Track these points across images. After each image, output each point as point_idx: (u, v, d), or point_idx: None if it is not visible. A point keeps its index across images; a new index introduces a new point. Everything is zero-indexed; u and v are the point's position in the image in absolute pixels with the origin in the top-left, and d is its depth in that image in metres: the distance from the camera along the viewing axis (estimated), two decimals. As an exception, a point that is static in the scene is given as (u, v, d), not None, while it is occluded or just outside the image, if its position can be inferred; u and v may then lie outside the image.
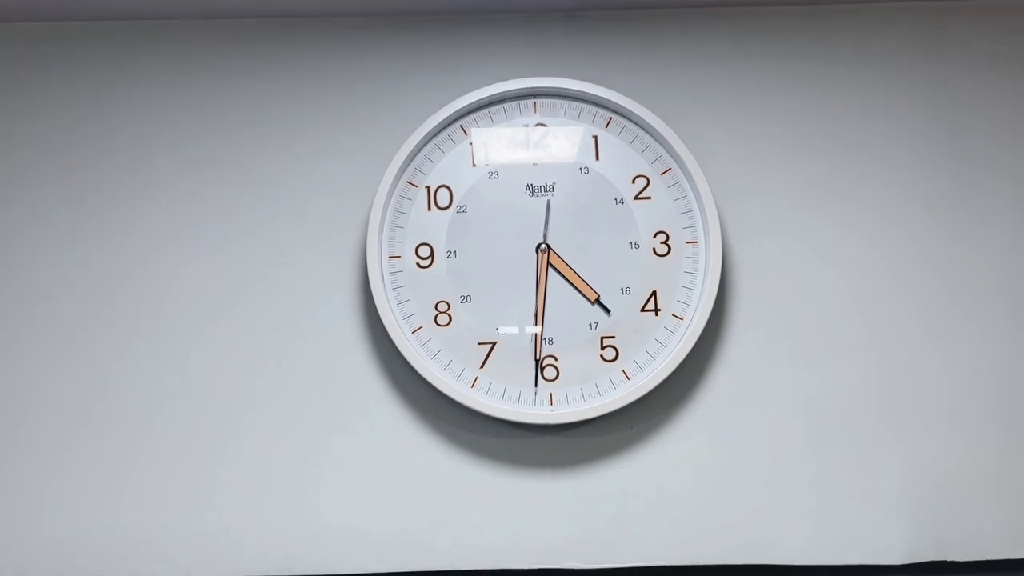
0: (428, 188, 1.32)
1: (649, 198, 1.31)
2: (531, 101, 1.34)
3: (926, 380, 1.29)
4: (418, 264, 1.30)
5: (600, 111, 1.33)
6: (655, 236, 1.30)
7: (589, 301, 1.29)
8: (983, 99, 1.36)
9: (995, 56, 1.37)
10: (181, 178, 1.34)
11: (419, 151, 1.32)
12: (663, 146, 1.32)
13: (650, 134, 1.32)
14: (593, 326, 1.28)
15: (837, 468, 1.27)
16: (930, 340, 1.30)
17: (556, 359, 1.28)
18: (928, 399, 1.29)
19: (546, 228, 1.31)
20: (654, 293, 1.29)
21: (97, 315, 1.31)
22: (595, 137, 1.33)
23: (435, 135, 1.33)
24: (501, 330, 1.28)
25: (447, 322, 1.29)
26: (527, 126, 1.34)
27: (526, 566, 1.26)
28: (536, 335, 1.28)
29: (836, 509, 1.26)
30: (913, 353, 1.30)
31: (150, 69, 1.37)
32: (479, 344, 1.28)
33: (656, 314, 1.29)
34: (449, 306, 1.29)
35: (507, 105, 1.34)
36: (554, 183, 1.32)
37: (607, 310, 1.28)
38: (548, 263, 1.30)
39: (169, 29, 1.38)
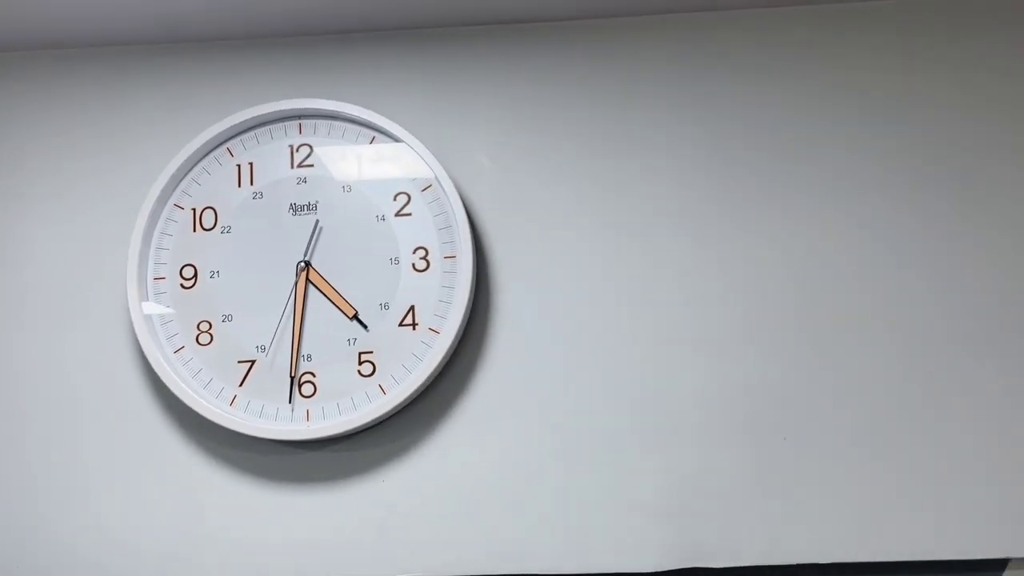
0: (194, 210, 1.35)
1: (410, 214, 1.34)
2: (296, 122, 1.37)
3: (680, 389, 1.30)
4: (182, 285, 1.33)
5: (363, 130, 1.36)
6: (415, 252, 1.33)
7: (347, 317, 1.31)
8: (742, 108, 1.38)
9: (754, 67, 1.39)
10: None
11: (186, 174, 1.35)
12: (422, 162, 1.34)
13: (410, 151, 1.34)
14: (351, 342, 1.30)
15: (593, 477, 1.28)
16: (682, 349, 1.31)
17: (314, 375, 1.30)
18: (682, 408, 1.30)
19: (310, 247, 1.33)
20: (412, 308, 1.31)
21: None
22: (358, 156, 1.36)
23: (202, 158, 1.36)
24: (260, 348, 1.30)
25: (208, 341, 1.31)
26: (292, 146, 1.36)
27: (289, 581, 1.28)
28: (292, 351, 1.30)
29: (592, 517, 1.27)
30: (667, 362, 1.31)
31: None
32: (239, 362, 1.30)
33: (414, 328, 1.30)
34: (211, 325, 1.31)
35: (273, 126, 1.37)
36: (317, 202, 1.34)
37: (364, 326, 1.30)
38: (307, 280, 1.32)
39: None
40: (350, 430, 1.27)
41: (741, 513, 1.27)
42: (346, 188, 1.35)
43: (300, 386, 1.29)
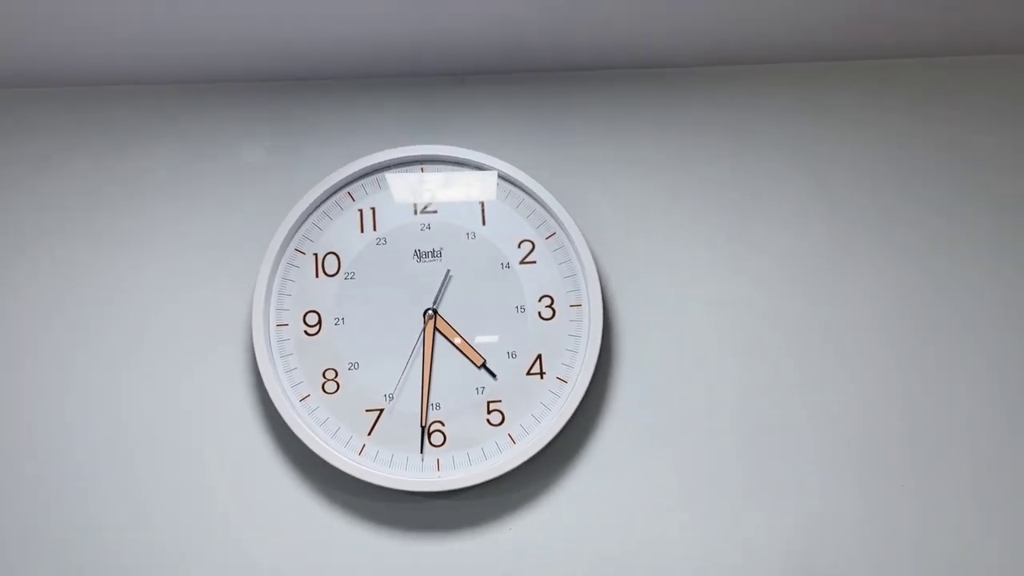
0: (316, 255, 1.33)
1: (534, 262, 1.34)
2: (418, 167, 1.36)
3: (802, 438, 1.33)
4: (306, 332, 1.31)
5: (487, 175, 1.36)
6: (540, 300, 1.33)
7: (476, 366, 1.31)
8: (855, 162, 1.41)
9: (865, 121, 1.42)
10: (65, 246, 1.34)
11: (306, 218, 1.34)
12: (547, 211, 1.34)
13: (534, 199, 1.35)
14: (480, 390, 1.30)
15: (716, 524, 1.30)
16: (800, 398, 1.34)
17: (443, 424, 1.29)
18: (804, 457, 1.32)
19: (439, 295, 1.32)
20: (539, 357, 1.31)
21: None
22: (481, 203, 1.35)
23: (322, 202, 1.34)
24: (388, 396, 1.29)
25: (335, 389, 1.30)
26: (415, 192, 1.35)
27: (416, 630, 1.28)
28: (423, 400, 1.29)
29: (715, 564, 1.29)
30: (789, 412, 1.34)
31: (35, 135, 1.37)
32: (367, 411, 1.29)
33: (541, 377, 1.31)
34: (337, 373, 1.30)
35: (394, 171, 1.36)
36: (442, 249, 1.34)
37: (493, 374, 1.30)
38: (435, 328, 1.31)
39: (52, 96, 1.38)
40: (483, 482, 1.27)
41: (854, 555, 1.30)
42: (470, 235, 1.34)
43: (430, 435, 1.29)
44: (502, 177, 1.35)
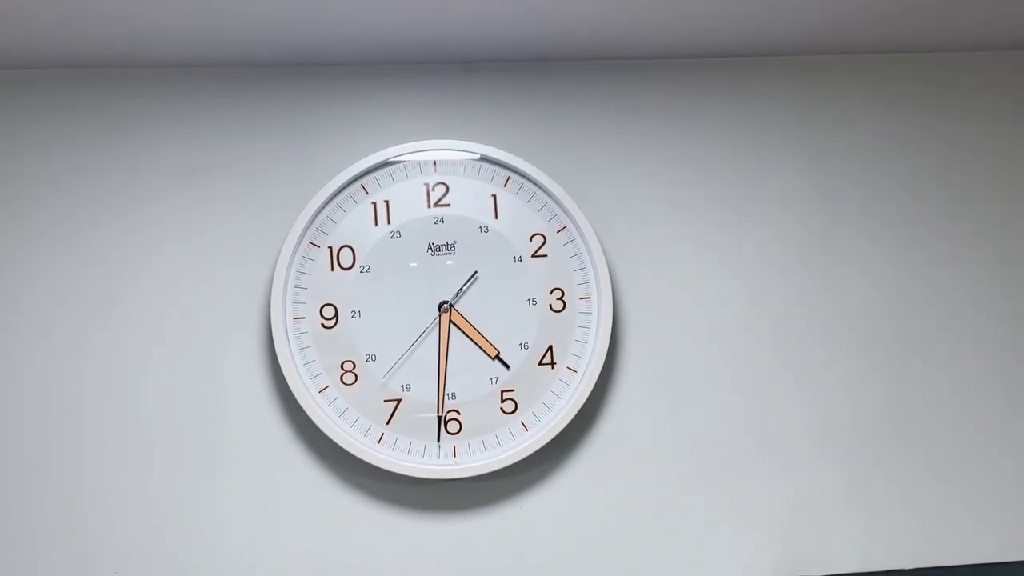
0: (331, 248, 1.35)
1: (546, 256, 1.38)
2: (432, 161, 1.37)
3: (789, 414, 1.43)
4: (323, 324, 1.34)
5: (498, 170, 1.38)
6: (551, 292, 1.38)
7: (490, 357, 1.36)
8: (849, 150, 1.47)
9: (862, 110, 1.48)
10: (75, 236, 1.33)
11: (321, 211, 1.34)
12: (558, 205, 1.38)
13: (546, 193, 1.38)
14: (493, 380, 1.35)
15: (714, 499, 1.40)
16: (793, 378, 1.43)
17: (459, 413, 1.35)
18: (792, 431, 1.42)
19: (461, 291, 1.35)
20: (550, 347, 1.37)
21: (11, 370, 1.30)
22: (494, 196, 1.38)
23: (336, 195, 1.35)
24: (405, 387, 1.34)
25: (353, 381, 1.34)
26: (428, 185, 1.37)
27: (434, 603, 1.36)
28: (439, 390, 1.34)
29: (714, 536, 1.40)
30: (772, 394, 1.42)
31: (51, 118, 1.34)
32: (385, 401, 1.34)
33: (552, 367, 1.37)
34: (355, 365, 1.34)
35: (407, 163, 1.37)
36: (455, 242, 1.37)
37: (507, 365, 1.36)
38: (450, 321, 1.35)
39: (58, 78, 1.35)
40: (498, 469, 1.33)
41: (843, 526, 1.42)
42: (483, 228, 1.37)
43: (446, 424, 1.34)
44: (514, 171, 1.37)
